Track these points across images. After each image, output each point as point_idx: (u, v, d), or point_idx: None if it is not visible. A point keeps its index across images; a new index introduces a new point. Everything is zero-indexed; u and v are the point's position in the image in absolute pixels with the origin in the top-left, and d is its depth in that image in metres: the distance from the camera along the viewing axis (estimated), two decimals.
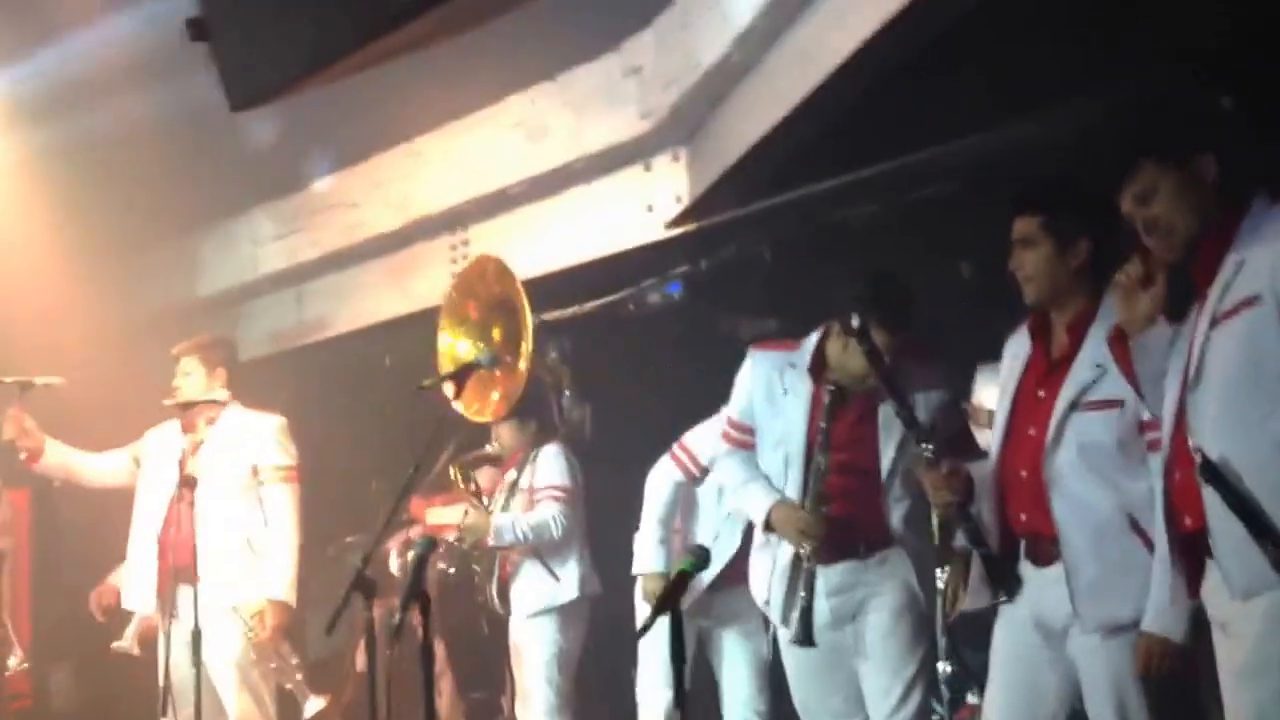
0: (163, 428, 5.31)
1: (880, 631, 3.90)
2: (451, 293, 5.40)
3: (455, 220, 6.76)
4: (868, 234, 5.37)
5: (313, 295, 7.62)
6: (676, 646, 3.04)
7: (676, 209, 5.85)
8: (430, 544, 3.73)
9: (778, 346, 4.25)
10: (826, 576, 3.96)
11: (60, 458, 5.44)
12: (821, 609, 3.94)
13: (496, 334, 5.07)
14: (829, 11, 4.47)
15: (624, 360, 6.49)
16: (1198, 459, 2.88)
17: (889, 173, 5.15)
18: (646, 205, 5.96)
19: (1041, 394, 3.48)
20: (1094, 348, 3.40)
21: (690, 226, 5.83)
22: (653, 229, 5.95)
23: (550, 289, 6.35)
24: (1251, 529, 2.80)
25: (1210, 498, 2.88)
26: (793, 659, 4.05)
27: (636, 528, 5.15)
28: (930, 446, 3.63)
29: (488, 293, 5.22)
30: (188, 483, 4.78)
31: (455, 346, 5.14)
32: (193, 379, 5.17)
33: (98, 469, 5.49)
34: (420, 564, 3.62)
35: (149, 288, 8.06)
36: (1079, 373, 3.42)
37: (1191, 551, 3.01)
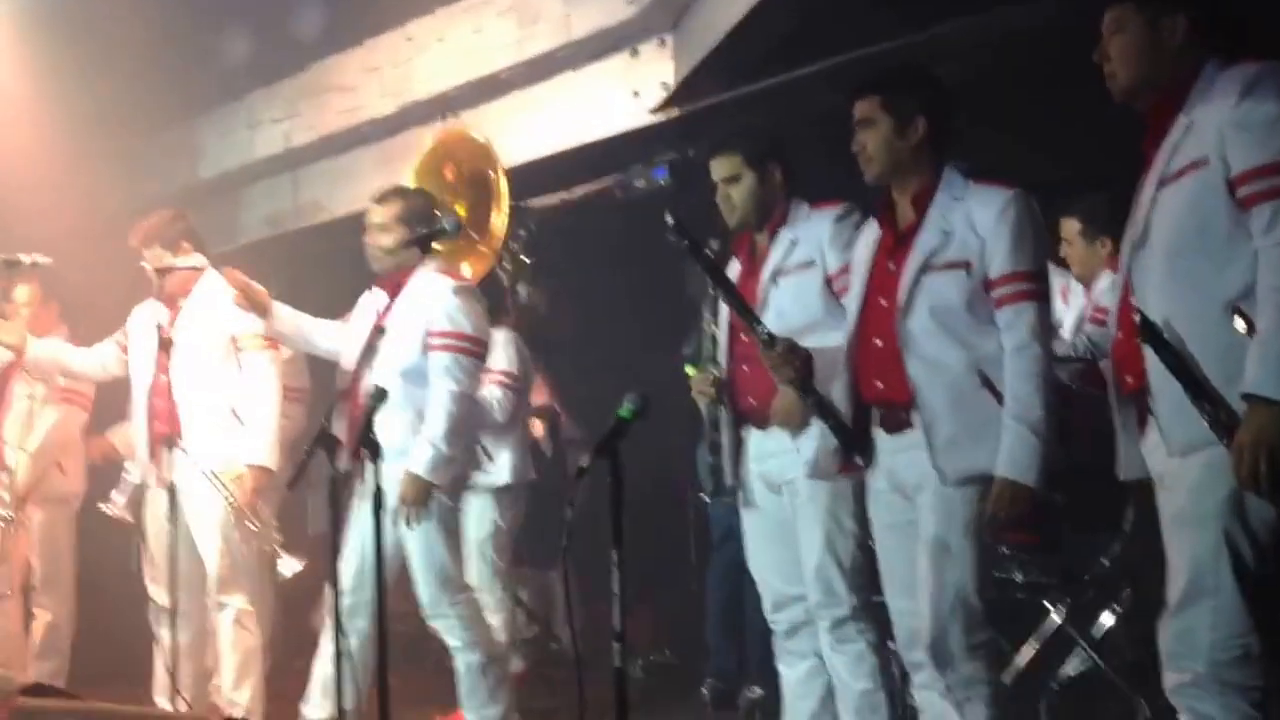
0: (147, 303, 5.29)
1: (806, 494, 3.91)
2: (436, 145, 5.36)
3: (446, 105, 6.77)
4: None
5: (308, 180, 7.65)
6: (616, 490, 3.09)
7: (662, 95, 5.86)
8: (381, 394, 3.76)
9: None
10: (758, 442, 4.02)
11: (49, 351, 5.46)
12: (756, 472, 4.02)
13: (461, 209, 5.05)
14: None
15: (608, 245, 6.52)
16: (1137, 319, 2.92)
17: (872, 58, 5.14)
18: (633, 91, 5.99)
19: (892, 266, 3.54)
20: (938, 215, 3.48)
21: (675, 112, 5.84)
22: (639, 115, 5.97)
23: (538, 174, 6.38)
24: (1189, 389, 2.84)
25: (1151, 358, 2.91)
26: (745, 524, 4.11)
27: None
28: (764, 327, 3.69)
29: (472, 167, 5.19)
30: (163, 346, 4.77)
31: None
32: (163, 263, 5.13)
33: (87, 362, 5.48)
34: (370, 414, 3.65)
35: (149, 173, 8.10)
36: (925, 239, 3.47)
37: (1133, 410, 3.06)
